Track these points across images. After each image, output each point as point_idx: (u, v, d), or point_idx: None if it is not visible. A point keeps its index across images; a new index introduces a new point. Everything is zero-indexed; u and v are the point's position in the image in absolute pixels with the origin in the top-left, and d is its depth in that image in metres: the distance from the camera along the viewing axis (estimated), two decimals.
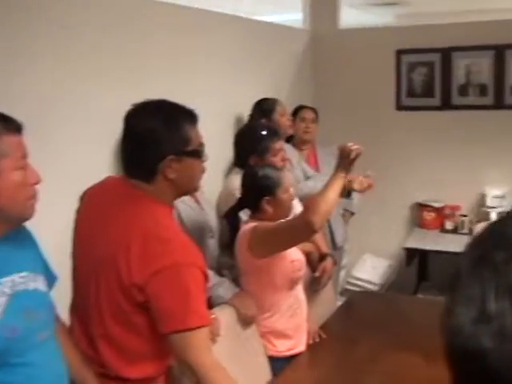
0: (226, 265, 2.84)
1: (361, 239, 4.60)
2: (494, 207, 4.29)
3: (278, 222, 2.47)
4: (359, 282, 4.58)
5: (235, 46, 3.71)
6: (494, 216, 4.17)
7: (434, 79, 4.52)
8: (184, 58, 3.17)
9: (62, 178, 2.26)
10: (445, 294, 0.64)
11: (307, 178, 3.67)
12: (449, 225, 4.52)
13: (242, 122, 3.69)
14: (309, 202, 2.35)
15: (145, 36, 2.88)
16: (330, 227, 3.74)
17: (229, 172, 3.36)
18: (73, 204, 2.02)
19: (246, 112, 3.64)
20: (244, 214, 2.70)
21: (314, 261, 2.97)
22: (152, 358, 1.92)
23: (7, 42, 2.15)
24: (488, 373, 0.57)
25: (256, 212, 2.56)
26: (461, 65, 4.43)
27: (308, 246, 2.89)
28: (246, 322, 2.52)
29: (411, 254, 4.37)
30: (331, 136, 4.03)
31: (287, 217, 2.54)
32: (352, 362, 2.53)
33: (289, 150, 3.44)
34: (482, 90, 4.39)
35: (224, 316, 2.41)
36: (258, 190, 2.52)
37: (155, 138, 1.81)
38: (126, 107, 1.90)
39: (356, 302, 3.34)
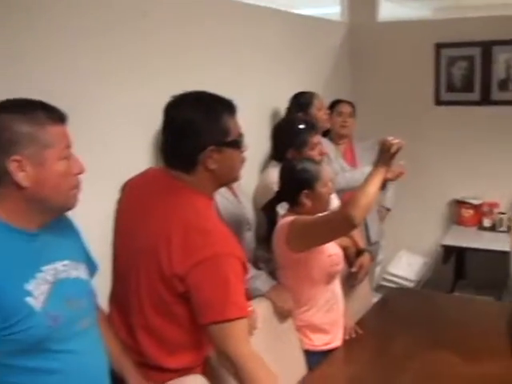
0: (263, 258, 2.84)
1: (397, 235, 4.56)
2: None
3: (317, 215, 2.46)
4: (395, 279, 4.54)
5: (272, 38, 3.69)
6: None
7: (474, 74, 4.45)
8: (222, 50, 3.16)
9: (103, 169, 2.27)
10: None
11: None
12: (487, 222, 4.46)
13: (278, 115, 3.68)
14: (349, 196, 2.32)
15: (183, 28, 2.88)
16: (365, 222, 3.71)
17: (266, 165, 3.35)
18: (113, 195, 2.04)
19: (282, 105, 3.62)
20: (281, 208, 2.69)
21: (350, 256, 2.94)
22: (191, 349, 1.93)
23: (47, 38, 2.18)
24: None
25: (294, 205, 2.55)
26: (501, 59, 4.35)
27: (345, 240, 2.86)
28: (282, 315, 2.52)
29: (448, 252, 4.32)
30: (368, 130, 4.00)
31: (325, 211, 2.52)
32: (387, 358, 2.51)
33: (326, 145, 3.42)
34: None
35: (261, 309, 2.41)
36: (296, 184, 2.51)
37: (195, 128, 1.82)
38: (166, 99, 1.91)
39: (392, 299, 3.31)
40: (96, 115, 2.35)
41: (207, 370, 2.06)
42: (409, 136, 2.29)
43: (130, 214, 1.96)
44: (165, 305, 1.83)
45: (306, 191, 2.49)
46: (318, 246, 2.44)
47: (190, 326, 1.86)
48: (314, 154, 2.98)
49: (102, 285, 1.91)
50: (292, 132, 3.05)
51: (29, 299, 1.46)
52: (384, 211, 4.13)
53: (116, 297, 2.00)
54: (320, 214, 2.48)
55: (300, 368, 2.51)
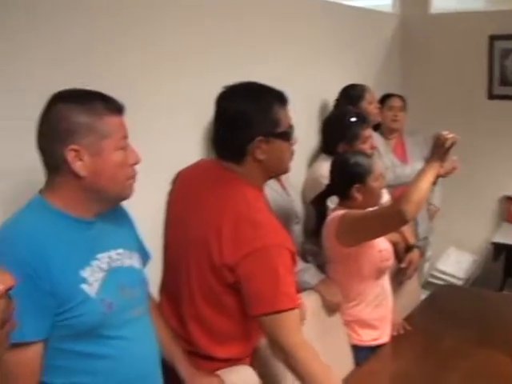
0: (311, 251, 2.83)
1: (446, 232, 4.48)
2: None
3: (368, 210, 2.44)
4: (443, 276, 4.47)
5: (322, 31, 3.66)
6: None
7: None
8: (271, 43, 3.15)
9: (155, 160, 2.29)
10: None
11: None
12: None
13: (327, 108, 3.65)
14: (400, 191, 2.29)
15: (233, 21, 2.88)
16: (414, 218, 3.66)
17: (316, 158, 3.32)
18: (165, 186, 2.05)
19: (331, 98, 3.59)
20: (330, 201, 2.68)
21: (400, 251, 2.91)
22: (240, 339, 1.94)
23: (100, 31, 2.20)
24: None
25: (345, 199, 2.53)
26: None
27: (395, 235, 2.83)
28: (331, 309, 2.51)
29: (498, 250, 4.23)
30: (419, 125, 3.94)
31: (376, 205, 2.50)
32: (435, 356, 2.47)
33: (376, 139, 3.38)
34: None
35: (309, 302, 2.40)
36: (348, 177, 2.49)
37: (246, 119, 1.82)
38: (218, 91, 1.92)
39: (441, 296, 3.26)
40: (148, 106, 2.36)
41: (255, 361, 2.07)
42: (460, 131, 2.23)
43: (182, 204, 1.97)
44: (214, 295, 1.85)
45: (357, 185, 2.47)
46: (368, 240, 2.42)
47: (239, 316, 1.88)
48: (366, 147, 2.94)
49: (154, 274, 1.93)
50: (343, 125, 3.02)
51: (84, 286, 1.48)
52: (434, 209, 4.07)
53: (167, 287, 2.02)
54: (371, 209, 2.45)
55: (347, 363, 2.50)
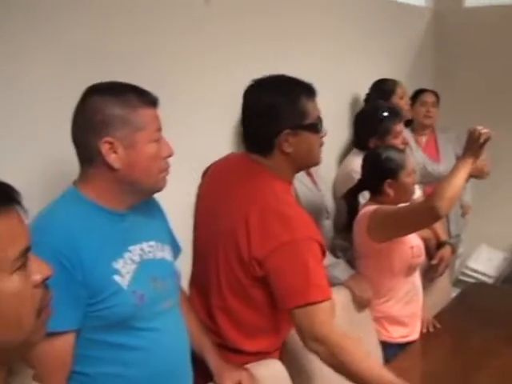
0: (341, 247, 2.82)
1: (477, 229, 4.41)
2: None
3: (400, 206, 2.42)
4: (474, 274, 4.42)
5: (353, 24, 3.63)
6: None
7: None
8: (302, 37, 3.14)
9: (187, 153, 2.29)
10: None
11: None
12: None
13: (358, 103, 3.63)
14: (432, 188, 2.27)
15: (264, 16, 2.88)
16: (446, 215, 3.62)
17: (347, 153, 3.31)
18: (197, 179, 2.06)
19: (363, 93, 3.57)
20: (362, 197, 2.66)
21: (431, 248, 2.89)
22: (268, 333, 1.94)
23: (134, 25, 2.22)
24: None
25: (376, 195, 2.51)
26: None
27: (426, 232, 2.81)
28: (361, 304, 2.49)
29: None
30: (452, 121, 3.89)
31: (408, 201, 2.48)
32: (465, 354, 2.45)
33: (406, 135, 3.35)
34: None
35: (339, 297, 2.38)
36: (380, 173, 2.47)
37: (273, 111, 1.81)
38: (247, 84, 1.91)
39: (471, 294, 3.23)
40: (180, 100, 2.37)
41: (284, 355, 2.07)
42: (494, 127, 2.20)
43: (212, 197, 1.97)
44: (242, 288, 1.85)
45: (389, 180, 2.45)
46: (399, 236, 2.41)
47: (267, 309, 1.87)
48: (397, 142, 2.92)
49: (184, 267, 1.94)
50: (375, 119, 3.00)
51: (116, 277, 1.49)
52: (466, 205, 4.02)
53: (196, 279, 2.03)
54: (403, 204, 2.43)
55: (376, 359, 2.48)
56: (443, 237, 2.99)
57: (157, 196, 1.70)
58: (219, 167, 2.03)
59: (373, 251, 2.46)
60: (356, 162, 2.78)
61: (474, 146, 2.18)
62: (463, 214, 4.00)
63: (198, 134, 2.47)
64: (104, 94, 1.51)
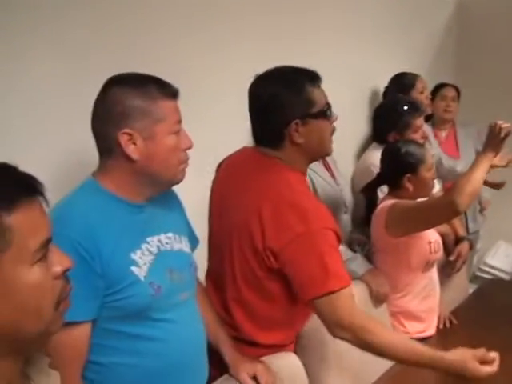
0: (358, 241, 2.81)
1: (495, 225, 4.36)
2: None
3: (418, 200, 2.40)
4: (491, 270, 4.39)
5: (373, 17, 3.59)
6: None
7: None
8: (321, 31, 3.12)
9: (205, 146, 2.29)
10: None
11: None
12: None
13: (377, 97, 3.61)
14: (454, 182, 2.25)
15: (286, 11, 2.86)
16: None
17: (366, 147, 3.29)
18: (212, 173, 2.06)
19: (382, 87, 3.54)
20: (380, 191, 2.65)
21: (449, 243, 2.88)
22: (283, 325, 1.94)
23: (154, 18, 2.22)
24: None
25: (395, 189, 2.50)
26: None
27: (444, 227, 2.79)
28: (377, 299, 2.48)
29: None
30: (473, 116, 3.84)
31: (427, 196, 2.47)
32: None
33: (426, 130, 3.32)
34: None
35: (356, 291, 2.34)
36: (399, 167, 2.45)
37: (278, 103, 1.80)
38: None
39: (488, 290, 3.21)
40: (200, 93, 2.36)
41: (299, 348, 2.07)
42: None
43: (225, 191, 1.97)
44: (257, 280, 1.84)
45: (409, 175, 2.43)
46: (417, 231, 2.39)
47: (282, 302, 1.87)
48: (417, 136, 2.90)
49: (200, 259, 1.94)
50: (395, 113, 2.97)
51: (134, 268, 1.50)
52: (485, 201, 3.98)
53: (211, 272, 2.03)
54: (422, 199, 2.42)
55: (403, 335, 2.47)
56: (461, 232, 2.97)
57: (176, 188, 1.70)
58: (232, 161, 2.03)
59: (390, 246, 2.45)
60: (375, 156, 2.76)
61: (494, 140, 2.16)
62: (481, 210, 3.96)
63: (214, 127, 2.46)
64: (124, 85, 1.51)
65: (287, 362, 1.96)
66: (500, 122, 2.16)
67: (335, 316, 1.74)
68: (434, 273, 2.58)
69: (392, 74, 3.50)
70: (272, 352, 1.93)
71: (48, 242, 0.96)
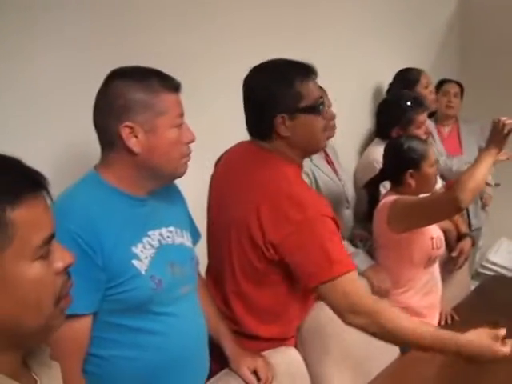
0: (360, 236, 2.80)
1: (497, 222, 4.36)
2: None
3: (421, 196, 2.40)
4: (493, 267, 4.38)
5: (376, 13, 3.59)
6: None
7: None
8: (325, 26, 3.12)
9: (208, 140, 2.29)
10: None
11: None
12: None
13: (380, 92, 3.60)
14: (457, 178, 2.25)
15: (289, 6, 2.86)
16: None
17: (369, 143, 3.29)
18: (210, 167, 2.06)
19: (385, 82, 3.54)
20: (382, 187, 2.65)
21: (451, 240, 2.87)
22: (283, 318, 1.94)
23: (157, 12, 2.22)
24: None
25: (397, 185, 2.50)
26: None
27: (446, 223, 2.79)
28: (379, 294, 2.47)
29: None
30: (478, 113, 3.83)
31: (430, 192, 2.47)
32: None
33: (429, 126, 3.32)
34: None
35: None
36: (402, 163, 2.45)
37: (266, 95, 1.80)
38: None
39: (490, 287, 3.21)
40: (203, 87, 2.36)
41: (299, 342, 2.07)
42: None
43: (223, 186, 1.97)
44: (256, 272, 1.84)
45: (411, 171, 2.43)
46: (419, 227, 2.39)
47: (281, 294, 1.87)
48: (420, 132, 2.89)
49: (201, 253, 1.94)
50: (398, 109, 2.97)
51: (135, 262, 1.50)
52: (486, 197, 3.97)
53: (211, 267, 2.03)
54: (424, 195, 2.41)
55: (393, 349, 2.47)
56: (463, 229, 2.97)
57: (178, 182, 1.70)
58: (230, 156, 2.03)
59: (392, 241, 2.44)
60: (378, 151, 2.76)
61: (497, 136, 2.17)
62: (483, 206, 3.95)
63: (216, 122, 2.46)
64: (126, 78, 1.51)
65: (287, 357, 1.96)
66: (503, 119, 2.16)
67: (346, 301, 1.72)
68: (435, 269, 2.58)
69: (395, 70, 3.50)
70: (272, 346, 1.93)
71: (51, 237, 0.96)
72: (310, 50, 2.73)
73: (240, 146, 2.03)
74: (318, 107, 1.83)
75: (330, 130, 2.47)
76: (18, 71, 1.78)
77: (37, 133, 1.83)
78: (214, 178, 2.03)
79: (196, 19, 2.37)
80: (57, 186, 1.47)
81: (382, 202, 2.48)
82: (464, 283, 3.13)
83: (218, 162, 2.06)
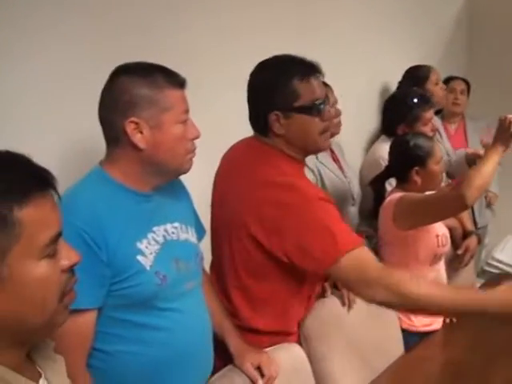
0: (366, 234, 2.79)
1: (504, 220, 4.35)
2: None
3: (427, 193, 2.40)
4: (499, 265, 4.35)
5: (382, 10, 3.57)
6: None
7: None
8: (331, 26, 3.11)
9: (214, 136, 2.29)
10: None
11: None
12: None
13: (387, 90, 3.60)
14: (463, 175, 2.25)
15: (296, 4, 2.85)
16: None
17: (375, 140, 3.28)
18: (215, 164, 2.05)
19: (392, 80, 3.53)
20: (388, 184, 2.64)
21: (457, 237, 2.87)
22: (280, 310, 1.92)
23: (164, 7, 2.22)
24: None
25: (403, 182, 2.49)
26: None
27: (452, 221, 2.79)
28: None
29: None
30: (486, 110, 3.81)
31: (436, 189, 2.46)
32: (488, 345, 2.41)
33: (436, 123, 3.31)
34: None
35: None
36: (408, 160, 2.44)
37: (263, 91, 1.80)
38: None
39: (496, 285, 3.17)
40: (209, 83, 2.36)
41: (302, 339, 2.07)
42: None
43: (226, 181, 1.97)
44: (257, 267, 1.84)
45: (417, 168, 2.43)
46: (425, 224, 2.39)
47: (281, 288, 1.87)
48: (426, 129, 2.89)
49: (206, 249, 1.94)
50: (405, 106, 2.97)
51: (140, 257, 1.50)
52: (493, 196, 3.96)
53: (214, 262, 2.03)
54: (430, 192, 2.41)
55: (397, 347, 2.47)
56: (469, 226, 2.97)
57: (183, 178, 1.71)
58: (234, 151, 2.03)
59: (398, 239, 2.44)
60: (384, 148, 2.75)
61: (504, 134, 2.17)
62: (488, 205, 3.94)
63: (222, 118, 2.46)
64: (132, 74, 1.51)
65: (291, 353, 1.96)
66: (510, 116, 2.17)
67: (362, 275, 1.67)
68: (441, 266, 2.57)
69: (402, 68, 3.49)
70: (273, 340, 1.92)
71: (58, 236, 0.96)
72: (316, 47, 2.74)
73: (244, 142, 2.03)
74: (315, 108, 1.80)
75: (334, 127, 2.47)
76: (24, 65, 1.79)
77: (42, 129, 1.83)
78: (217, 173, 2.03)
79: (202, 16, 2.37)
80: (62, 182, 1.48)
81: (388, 199, 2.48)
82: (469, 281, 3.12)
83: (223, 158, 2.06)
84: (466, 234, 2.92)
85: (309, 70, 1.82)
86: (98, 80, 1.54)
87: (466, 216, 2.94)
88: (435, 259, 2.48)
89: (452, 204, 2.23)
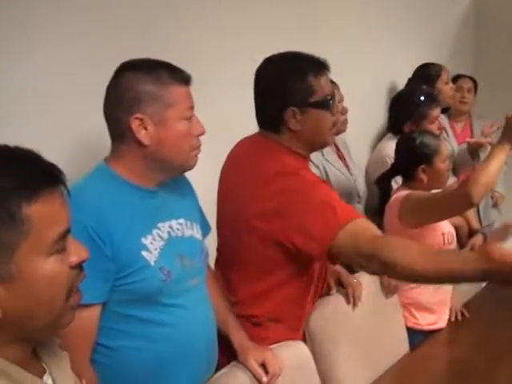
0: None
1: (510, 219, 4.32)
2: None
3: (433, 191, 2.39)
4: None
5: (390, 7, 3.57)
6: None
7: None
8: (339, 24, 3.10)
9: (220, 133, 2.30)
10: None
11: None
12: None
13: (394, 89, 3.59)
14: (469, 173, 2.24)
15: (304, 3, 2.84)
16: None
17: (381, 138, 3.28)
18: (221, 160, 2.05)
19: (399, 78, 3.53)
20: (394, 182, 2.64)
21: (462, 236, 2.86)
22: (278, 299, 1.91)
23: (167, 3, 2.21)
24: None
25: (409, 180, 2.49)
26: None
27: (458, 219, 2.78)
28: (388, 290, 2.47)
29: None
30: (492, 108, 3.80)
31: (442, 187, 2.45)
32: (493, 344, 2.42)
33: (443, 121, 3.30)
34: None
35: (367, 283, 2.37)
36: (414, 158, 2.44)
37: (278, 87, 1.80)
38: None
39: None
40: (214, 80, 2.36)
41: (306, 336, 2.07)
42: None
43: (231, 177, 1.97)
44: (262, 260, 1.84)
45: (423, 166, 2.42)
46: (431, 222, 2.38)
47: (283, 277, 1.87)
48: (433, 127, 2.88)
49: (211, 245, 1.94)
50: (412, 104, 2.96)
51: (144, 253, 1.50)
52: (500, 197, 3.93)
53: (219, 258, 2.04)
54: (435, 190, 2.40)
55: (402, 346, 2.47)
56: (475, 225, 2.96)
57: (188, 174, 1.71)
58: (240, 148, 2.03)
59: (404, 237, 2.42)
60: (390, 146, 2.75)
61: (510, 132, 2.15)
62: (494, 204, 3.92)
63: (227, 114, 2.46)
64: (136, 70, 1.51)
65: (296, 350, 1.96)
66: None
67: (358, 250, 1.65)
68: None
69: (409, 66, 3.48)
70: (276, 334, 1.91)
71: (67, 232, 0.95)
72: (323, 44, 2.73)
73: (249, 138, 2.03)
74: (328, 103, 1.83)
75: (341, 124, 2.47)
76: (22, 66, 1.78)
77: (47, 125, 1.83)
78: (223, 170, 2.03)
79: (207, 13, 2.37)
80: (68, 178, 1.48)
81: (394, 197, 2.47)
82: None
83: (228, 155, 2.06)
84: (471, 233, 2.92)
85: (321, 65, 1.84)
86: (100, 78, 1.54)
87: (471, 214, 2.94)
88: None
89: (458, 202, 2.22)
